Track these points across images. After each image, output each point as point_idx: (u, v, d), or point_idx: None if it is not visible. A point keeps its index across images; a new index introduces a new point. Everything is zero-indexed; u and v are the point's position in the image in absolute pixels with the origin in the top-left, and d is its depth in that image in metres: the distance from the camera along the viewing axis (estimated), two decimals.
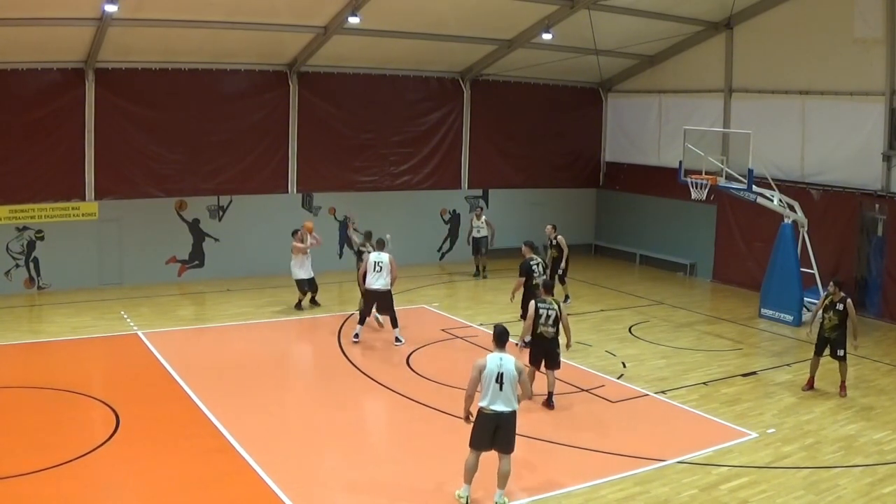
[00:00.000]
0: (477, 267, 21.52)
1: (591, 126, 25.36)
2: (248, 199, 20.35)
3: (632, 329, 16.47)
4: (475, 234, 21.46)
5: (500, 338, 8.86)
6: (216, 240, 20.03)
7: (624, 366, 13.98)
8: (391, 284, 14.79)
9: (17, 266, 18.14)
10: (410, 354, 14.29)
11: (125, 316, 16.33)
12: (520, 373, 8.64)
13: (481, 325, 16.47)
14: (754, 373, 13.84)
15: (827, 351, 12.71)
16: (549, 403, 11.86)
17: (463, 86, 23.12)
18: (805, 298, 17.37)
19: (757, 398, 12.52)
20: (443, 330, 15.98)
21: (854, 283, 18.21)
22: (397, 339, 14.88)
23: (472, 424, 8.82)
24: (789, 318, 17.03)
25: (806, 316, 16.40)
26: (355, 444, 10.40)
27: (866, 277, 18.09)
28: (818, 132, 18.94)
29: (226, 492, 8.97)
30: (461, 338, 15.50)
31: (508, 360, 8.62)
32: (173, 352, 14.03)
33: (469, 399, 8.82)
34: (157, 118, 19.13)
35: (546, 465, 10.03)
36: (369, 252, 15.50)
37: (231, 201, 20.22)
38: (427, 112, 22.73)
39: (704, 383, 13.14)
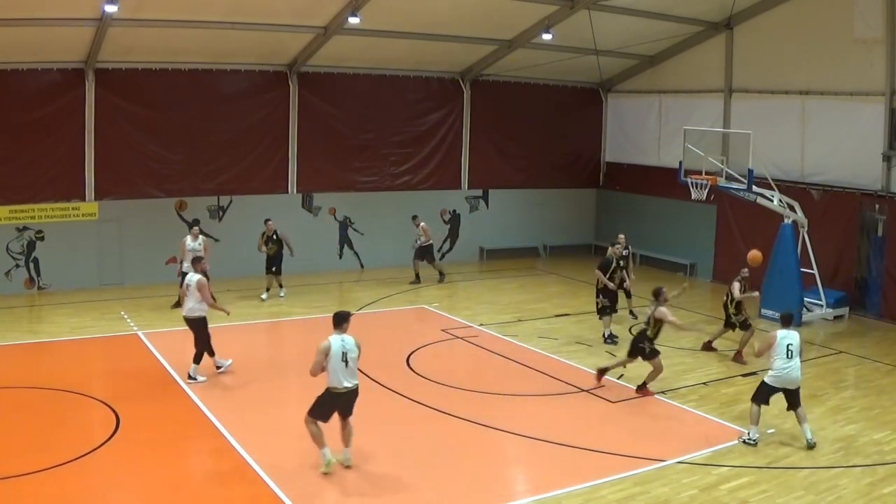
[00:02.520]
0: (416, 274, 20.28)
1: (591, 126, 25.36)
2: (248, 199, 20.36)
3: (632, 329, 16.44)
4: (417, 242, 20.28)
5: (338, 320, 9.43)
6: (216, 240, 20.01)
7: (624, 366, 13.96)
8: (204, 310, 12.59)
9: (17, 266, 18.15)
10: (410, 355, 14.28)
11: (125, 316, 16.33)
12: (359, 347, 9.41)
13: (481, 325, 16.47)
14: (754, 373, 13.80)
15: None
16: (641, 390, 12.60)
17: (463, 86, 23.12)
18: (805, 298, 17.38)
19: None
20: (443, 330, 15.98)
21: (854, 283, 18.24)
22: (190, 377, 12.53)
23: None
24: None
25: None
26: (355, 444, 10.39)
27: (866, 277, 18.09)
28: (818, 132, 18.94)
29: (226, 492, 8.98)
30: (461, 338, 15.49)
31: (349, 340, 9.33)
32: (173, 352, 14.02)
33: (314, 376, 9.39)
34: (157, 118, 19.14)
35: (546, 465, 10.04)
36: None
37: (231, 201, 20.23)
38: (427, 112, 22.73)
39: (704, 383, 13.14)
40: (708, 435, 10.98)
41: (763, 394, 10.83)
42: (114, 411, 11.05)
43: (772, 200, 17.27)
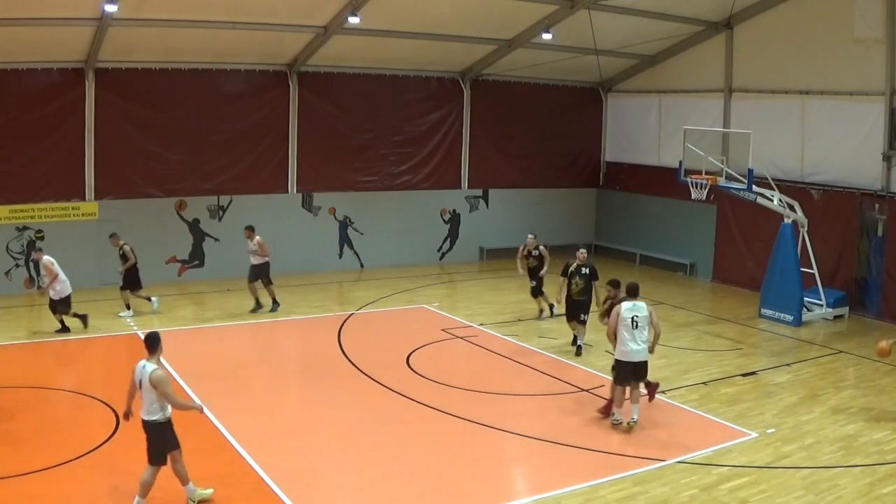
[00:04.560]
0: (256, 299, 17.09)
1: (591, 126, 25.36)
2: (248, 199, 20.36)
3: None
4: (251, 259, 16.95)
5: (148, 343, 8.46)
6: (216, 240, 20.04)
7: None
8: None
9: (17, 266, 18.15)
10: (410, 354, 14.29)
11: (125, 316, 16.32)
12: (151, 381, 8.14)
13: (481, 325, 16.47)
14: (754, 373, 13.84)
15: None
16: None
17: (463, 86, 23.12)
18: (805, 298, 17.38)
19: (757, 398, 12.53)
20: (443, 330, 15.98)
21: (854, 282, 18.24)
22: None
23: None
24: (789, 318, 17.04)
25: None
26: (355, 444, 10.41)
27: (866, 277, 18.09)
28: (818, 132, 18.94)
29: (226, 492, 8.97)
30: (461, 338, 15.49)
31: (147, 367, 8.24)
32: (173, 352, 13.97)
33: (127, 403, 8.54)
34: (157, 118, 19.14)
35: (546, 465, 10.04)
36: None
37: (231, 201, 20.23)
38: (427, 112, 22.74)
39: (704, 383, 13.14)
40: (708, 435, 10.98)
41: (619, 374, 11.00)
42: (114, 411, 11.04)
43: (772, 200, 17.28)
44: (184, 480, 8.60)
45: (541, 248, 17.11)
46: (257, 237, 16.77)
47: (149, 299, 16.77)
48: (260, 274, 16.89)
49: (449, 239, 23.49)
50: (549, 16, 18.91)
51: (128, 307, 16.56)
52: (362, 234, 22.03)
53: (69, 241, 18.39)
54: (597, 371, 13.58)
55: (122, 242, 16.52)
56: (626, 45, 21.53)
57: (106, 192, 18.87)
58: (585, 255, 14.85)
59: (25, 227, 18.09)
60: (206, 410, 9.24)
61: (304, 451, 10.19)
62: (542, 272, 16.97)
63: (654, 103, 23.51)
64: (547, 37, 19.10)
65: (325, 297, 18.81)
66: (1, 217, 17.81)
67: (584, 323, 14.64)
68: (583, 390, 12.65)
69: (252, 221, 20.02)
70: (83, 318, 15.32)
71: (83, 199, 18.68)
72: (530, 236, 17.30)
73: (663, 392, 12.60)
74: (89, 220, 18.66)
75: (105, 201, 18.84)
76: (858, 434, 11.05)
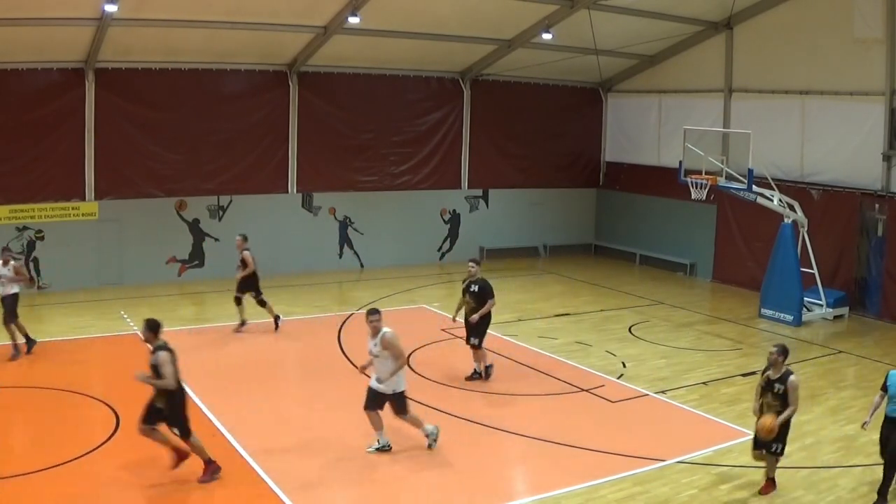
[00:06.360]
0: (15, 344, 13.66)
1: (591, 126, 25.36)
2: (248, 199, 20.35)
3: (632, 329, 16.47)
4: (3, 288, 13.62)
5: None
6: (216, 240, 20.03)
7: (624, 366, 13.98)
8: None
9: None
10: (410, 355, 14.26)
11: (125, 316, 16.32)
12: None
13: None
14: (754, 373, 13.79)
15: None
16: None
17: (463, 86, 23.12)
18: (805, 298, 17.38)
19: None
20: (443, 330, 15.97)
21: (854, 282, 18.25)
22: None
23: None
24: (789, 317, 17.04)
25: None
26: (355, 443, 10.40)
27: (866, 277, 18.10)
28: (818, 132, 18.94)
29: (226, 492, 8.98)
30: (461, 338, 15.44)
31: None
32: None
33: None
34: (157, 118, 19.13)
35: (546, 465, 10.04)
36: None
37: (231, 201, 20.22)
38: (427, 112, 22.73)
39: (704, 383, 13.15)
40: (708, 435, 10.98)
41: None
42: (114, 411, 11.04)
43: (772, 200, 17.28)
44: None
45: (244, 252, 15.04)
46: (13, 261, 13.95)
47: None
48: (12, 306, 13.74)
49: (449, 239, 23.48)
50: (549, 16, 18.92)
51: None
52: (362, 234, 22.03)
53: (69, 241, 18.40)
54: (597, 371, 13.58)
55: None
56: (626, 45, 21.53)
57: (106, 192, 18.86)
58: (475, 271, 12.83)
59: (25, 227, 18.09)
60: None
61: (304, 451, 10.18)
62: (238, 276, 15.16)
63: (654, 103, 23.52)
64: (547, 37, 19.11)
65: (325, 297, 18.80)
66: (1, 217, 17.81)
67: (476, 347, 12.95)
68: (583, 390, 12.65)
69: (252, 221, 20.09)
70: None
71: (83, 199, 18.68)
72: (237, 237, 15.26)
73: (663, 392, 12.61)
74: (89, 220, 18.65)
75: (105, 201, 18.84)
76: (858, 434, 11.03)
